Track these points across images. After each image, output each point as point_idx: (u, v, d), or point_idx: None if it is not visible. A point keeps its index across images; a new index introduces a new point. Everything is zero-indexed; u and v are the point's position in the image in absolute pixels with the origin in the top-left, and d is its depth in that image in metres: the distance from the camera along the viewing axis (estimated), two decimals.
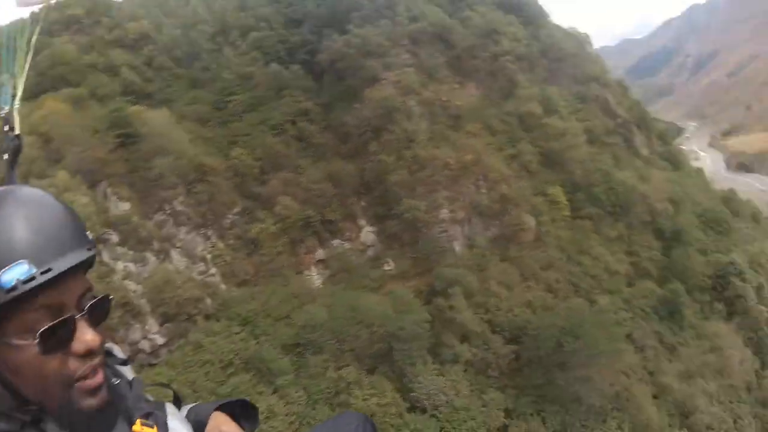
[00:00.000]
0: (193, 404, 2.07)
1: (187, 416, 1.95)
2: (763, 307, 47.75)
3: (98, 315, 1.55)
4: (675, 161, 66.06)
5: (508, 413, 35.37)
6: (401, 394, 33.98)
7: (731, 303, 47.70)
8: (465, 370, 36.48)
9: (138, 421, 1.63)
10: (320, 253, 42.30)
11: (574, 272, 43.83)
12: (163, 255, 36.18)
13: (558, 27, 72.32)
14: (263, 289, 38.16)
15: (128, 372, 1.86)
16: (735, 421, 41.53)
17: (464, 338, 37.51)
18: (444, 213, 41.91)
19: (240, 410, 2.05)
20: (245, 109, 47.08)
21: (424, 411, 33.51)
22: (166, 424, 1.70)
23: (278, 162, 44.14)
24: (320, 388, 32.67)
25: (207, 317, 35.42)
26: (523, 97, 51.66)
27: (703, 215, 54.36)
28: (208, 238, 39.95)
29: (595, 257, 45.26)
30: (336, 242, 42.72)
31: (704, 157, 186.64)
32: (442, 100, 48.16)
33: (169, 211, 38.31)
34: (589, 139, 53.55)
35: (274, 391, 31.97)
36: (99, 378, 1.53)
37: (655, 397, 39.74)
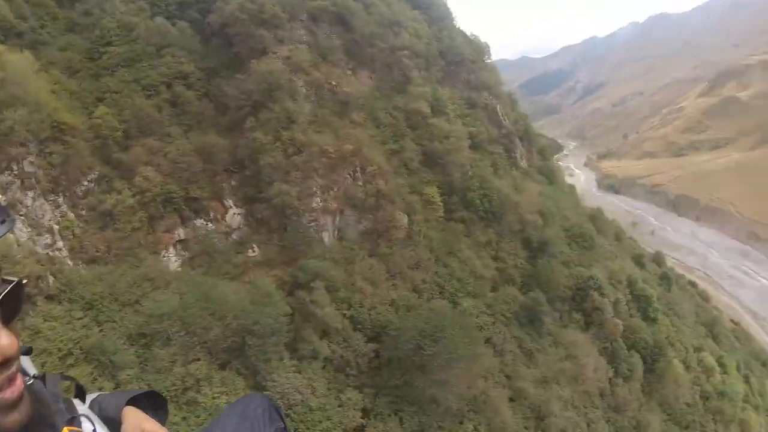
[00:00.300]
0: (96, 395, 1.93)
1: (91, 407, 1.81)
2: (618, 320, 50.82)
3: (10, 309, 1.22)
4: (551, 176, 69.11)
5: (365, 413, 34.28)
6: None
7: (589, 314, 50.34)
8: (324, 367, 34.77)
9: (64, 429, 1.43)
10: (181, 233, 38.37)
11: (441, 273, 43.69)
12: None
13: (461, 32, 72.84)
14: (113, 270, 33.72)
15: (29, 365, 1.58)
16: (588, 425, 43.80)
17: (324, 334, 35.67)
18: (316, 201, 39.68)
19: (147, 402, 1.96)
20: (120, 62, 41.72)
21: None
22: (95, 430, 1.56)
23: (146, 127, 39.49)
24: (166, 384, 29.20)
25: (49, 298, 30.58)
26: (414, 94, 50.82)
27: (570, 230, 57.07)
28: (58, 206, 34.55)
29: (463, 260, 45.44)
30: (199, 222, 39.01)
31: (579, 174, 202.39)
32: (332, 84, 45.87)
33: (16, 172, 32.68)
34: (472, 144, 53.97)
35: (116, 386, 28.11)
36: (18, 387, 1.26)
37: (511, 400, 40.70)
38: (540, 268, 48.79)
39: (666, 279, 77.12)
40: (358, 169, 42.08)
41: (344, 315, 36.56)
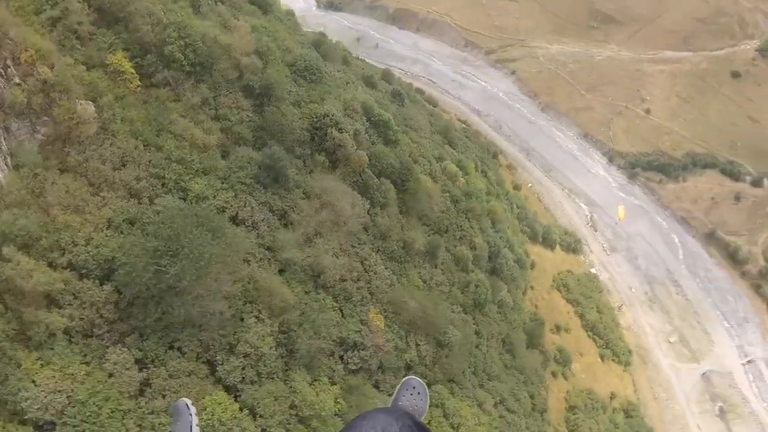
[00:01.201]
0: None
1: None
2: (362, 152, 48.15)
3: None
4: (264, 4, 59.25)
5: (141, 364, 27.65)
6: None
7: (332, 153, 46.36)
8: (70, 342, 26.06)
9: None
10: None
11: (157, 160, 34.10)
12: None
13: None
14: None
15: None
16: (362, 263, 43.09)
17: (50, 303, 25.88)
18: None
19: None
20: None
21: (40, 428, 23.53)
22: None
23: None
24: None
25: None
26: None
27: (295, 65, 50.12)
28: None
29: (179, 135, 36.05)
30: None
31: None
32: None
33: None
34: None
35: None
36: None
37: (281, 271, 36.76)
38: (269, 116, 42.17)
39: (398, 95, 77.77)
40: (8, 61, 27.74)
41: (61, 266, 26.93)
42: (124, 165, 32.88)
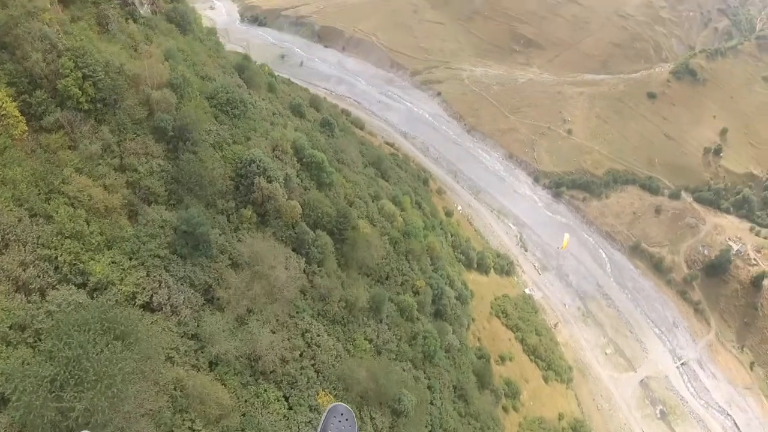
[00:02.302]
0: None
1: None
2: (294, 202, 42.66)
3: None
4: (184, 22, 51.78)
5: None
6: None
7: (261, 205, 40.55)
8: None
9: None
10: None
11: (47, 237, 27.06)
12: None
13: None
14: None
15: None
16: (303, 335, 37.21)
17: None
18: None
19: None
20: None
21: None
22: None
23: None
24: None
25: None
26: None
27: (215, 97, 43.54)
28: None
29: (75, 197, 29.17)
30: None
31: (220, 6, 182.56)
32: None
33: None
34: None
35: None
36: None
37: (213, 364, 30.36)
38: (185, 165, 35.53)
39: (328, 124, 72.90)
40: None
41: None
42: (6, 246, 25.93)
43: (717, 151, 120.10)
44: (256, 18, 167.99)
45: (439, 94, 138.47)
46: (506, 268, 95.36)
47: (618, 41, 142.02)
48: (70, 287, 26.04)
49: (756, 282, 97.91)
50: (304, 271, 40.46)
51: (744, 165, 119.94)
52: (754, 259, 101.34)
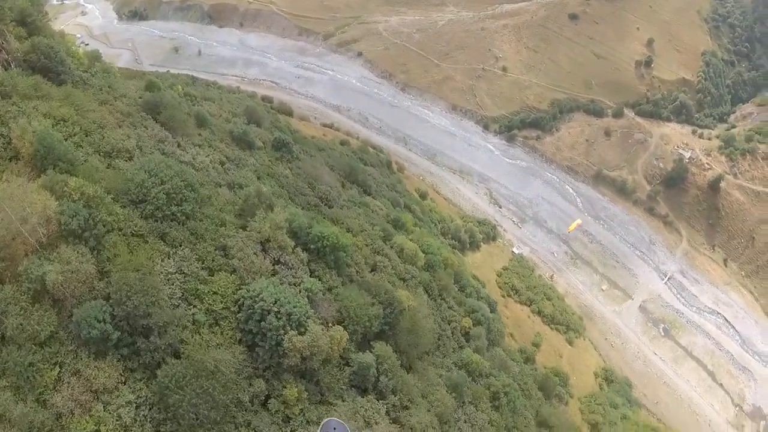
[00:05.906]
0: None
1: None
2: (336, 330, 29.40)
3: None
4: (53, 64, 34.15)
5: None
6: None
7: (302, 365, 27.22)
8: None
9: None
10: None
11: None
12: None
13: None
14: None
15: None
16: None
17: None
18: None
19: None
20: None
21: None
22: None
23: None
24: None
25: None
26: None
27: (146, 197, 27.37)
28: None
29: None
30: None
31: (93, 9, 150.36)
32: None
33: None
34: None
35: None
36: None
37: None
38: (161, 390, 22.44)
39: (283, 145, 56.29)
40: None
41: None
42: None
43: (648, 63, 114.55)
44: (135, 12, 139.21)
45: (360, 54, 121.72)
46: (492, 234, 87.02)
47: None
48: None
49: (713, 185, 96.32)
50: (388, 413, 28.26)
51: (675, 72, 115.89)
52: (707, 164, 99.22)
